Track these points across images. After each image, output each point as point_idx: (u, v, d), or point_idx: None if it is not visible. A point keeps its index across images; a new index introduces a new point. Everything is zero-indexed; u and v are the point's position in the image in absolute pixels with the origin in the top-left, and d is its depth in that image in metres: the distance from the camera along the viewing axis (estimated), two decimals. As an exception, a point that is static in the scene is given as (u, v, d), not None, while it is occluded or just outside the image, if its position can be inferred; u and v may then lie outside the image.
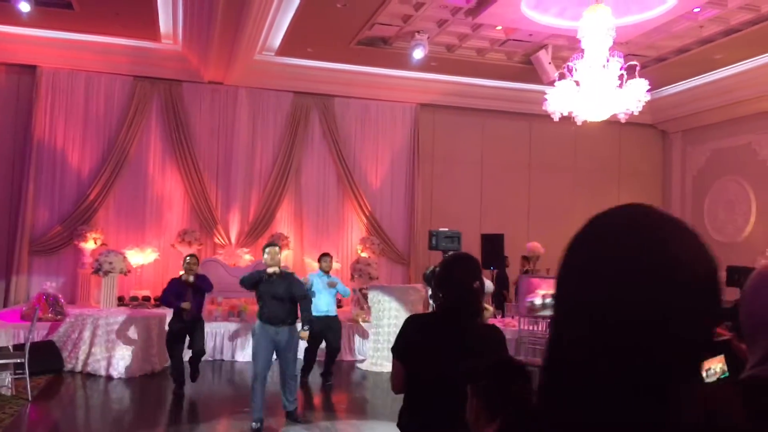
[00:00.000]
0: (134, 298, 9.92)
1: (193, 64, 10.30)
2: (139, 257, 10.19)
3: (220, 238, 10.80)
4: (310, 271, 11.20)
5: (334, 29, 9.08)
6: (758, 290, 1.19)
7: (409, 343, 2.77)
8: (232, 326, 8.77)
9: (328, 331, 7.54)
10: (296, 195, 11.33)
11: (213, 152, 10.94)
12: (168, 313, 7.48)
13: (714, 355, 1.45)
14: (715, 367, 1.44)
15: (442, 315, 2.80)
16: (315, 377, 7.72)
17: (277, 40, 9.63)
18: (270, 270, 5.85)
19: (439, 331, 2.72)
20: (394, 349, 2.78)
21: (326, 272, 7.87)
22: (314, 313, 7.21)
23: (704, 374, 1.43)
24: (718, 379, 1.43)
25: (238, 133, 10.99)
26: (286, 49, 9.92)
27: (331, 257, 8.21)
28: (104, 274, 8.97)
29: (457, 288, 2.71)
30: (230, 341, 8.73)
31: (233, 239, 10.91)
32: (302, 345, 7.49)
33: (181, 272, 7.21)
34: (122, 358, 7.49)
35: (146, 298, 9.91)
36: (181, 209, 10.83)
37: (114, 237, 10.32)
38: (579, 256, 0.88)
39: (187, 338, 6.93)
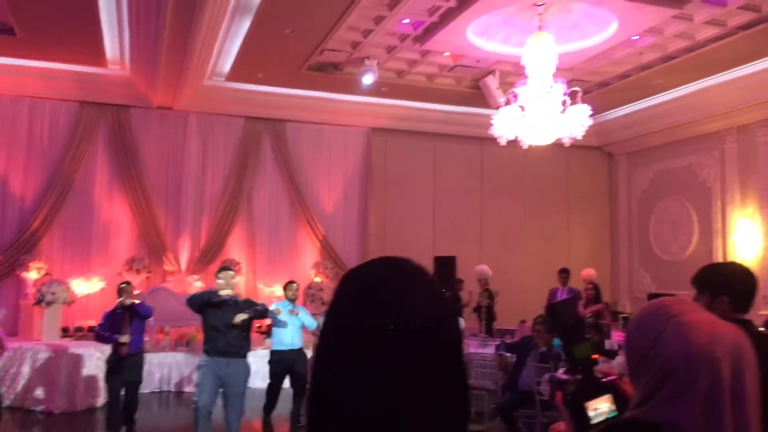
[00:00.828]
0: (79, 329, 9.62)
1: (140, 89, 10.17)
2: (85, 286, 9.92)
3: (169, 265, 10.60)
4: (262, 298, 11.10)
5: (284, 55, 9.10)
6: (639, 329, 1.22)
7: None
8: (180, 356, 8.58)
9: (293, 365, 6.97)
10: (248, 220, 11.22)
11: (162, 178, 10.78)
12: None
13: (601, 395, 1.47)
14: (602, 407, 1.47)
15: None
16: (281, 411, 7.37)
17: (226, 65, 9.59)
18: (224, 292, 5.47)
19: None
20: None
21: (292, 301, 7.41)
22: (278, 347, 6.96)
23: (592, 414, 1.46)
24: (606, 418, 1.46)
25: (187, 158, 10.86)
26: (236, 74, 9.89)
27: (298, 285, 7.76)
28: (47, 305, 8.70)
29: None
30: (178, 372, 8.54)
31: (183, 266, 10.72)
32: (263, 382, 7.30)
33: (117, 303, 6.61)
34: (63, 393, 7.24)
35: (92, 329, 9.60)
36: (129, 236, 10.60)
37: (59, 266, 10.03)
38: (328, 318, 0.92)
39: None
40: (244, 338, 5.56)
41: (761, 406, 2.04)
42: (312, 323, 7.32)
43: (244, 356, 5.58)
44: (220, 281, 5.61)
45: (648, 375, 1.15)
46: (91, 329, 9.61)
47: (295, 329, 7.15)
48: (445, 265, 10.42)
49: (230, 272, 5.71)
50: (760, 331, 2.60)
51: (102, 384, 7.57)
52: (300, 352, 7.14)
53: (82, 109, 10.31)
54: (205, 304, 5.48)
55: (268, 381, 7.12)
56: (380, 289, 0.88)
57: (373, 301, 0.87)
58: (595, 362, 1.50)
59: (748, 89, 9.63)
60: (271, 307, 6.86)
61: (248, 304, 5.66)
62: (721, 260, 10.63)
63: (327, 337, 0.90)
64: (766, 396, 2.19)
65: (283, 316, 7.04)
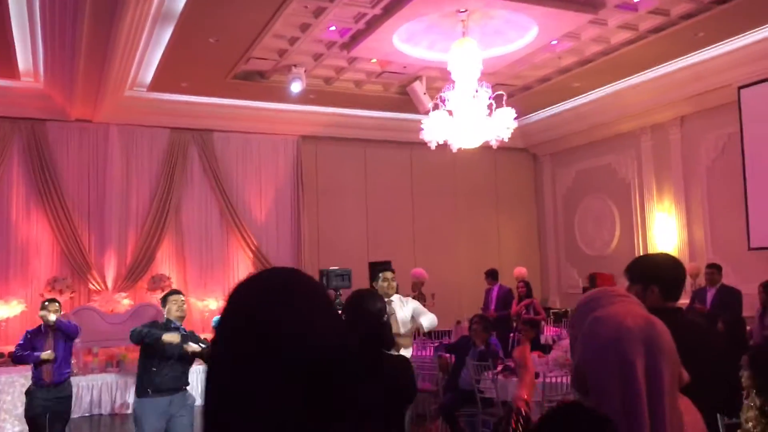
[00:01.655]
0: (1, 355, 9.11)
1: (57, 102, 9.75)
2: (4, 310, 9.43)
3: (95, 283, 10.19)
4: (195, 313, 10.83)
5: (209, 64, 8.93)
6: (572, 324, 1.26)
7: None
8: (110, 377, 8.25)
9: None
10: (177, 233, 10.93)
11: (84, 193, 10.36)
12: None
13: None
14: None
15: (356, 354, 2.82)
16: None
17: (148, 75, 9.32)
18: (167, 338, 4.64)
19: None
20: None
21: None
22: None
23: None
24: None
25: (110, 172, 10.48)
26: (158, 84, 9.63)
27: None
28: (-38, 332, 8.19)
29: (368, 326, 2.76)
30: (109, 394, 8.21)
31: (110, 284, 10.32)
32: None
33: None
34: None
35: (11, 354, 9.12)
36: (50, 255, 10.13)
37: (-27, 290, 9.47)
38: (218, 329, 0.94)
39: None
40: (185, 368, 4.92)
41: (699, 390, 2.16)
42: None
43: (185, 387, 4.97)
44: (171, 306, 4.90)
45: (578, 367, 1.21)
46: (10, 354, 9.12)
47: None
48: (381, 270, 10.46)
49: (181, 296, 5.03)
50: (690, 319, 2.74)
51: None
52: None
53: (-6, 123, 9.80)
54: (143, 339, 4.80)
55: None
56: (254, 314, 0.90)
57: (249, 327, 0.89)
58: None
59: (660, 90, 10.14)
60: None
61: (194, 338, 4.98)
62: (641, 253, 11.14)
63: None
64: (700, 380, 2.31)
65: None
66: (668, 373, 1.18)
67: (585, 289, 8.88)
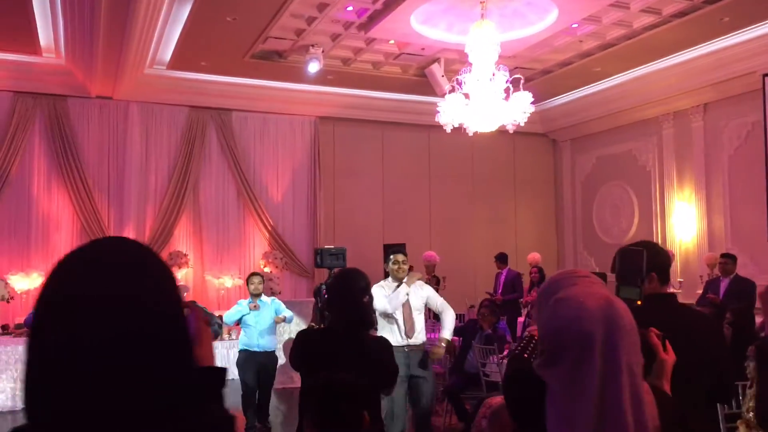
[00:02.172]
0: (20, 326, 9.32)
1: (78, 78, 9.86)
2: (25, 282, 9.61)
3: (113, 258, 10.34)
4: (211, 291, 10.98)
5: (227, 43, 8.95)
6: (538, 303, 1.26)
7: (300, 361, 2.85)
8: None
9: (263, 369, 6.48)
10: (195, 211, 11.04)
11: (104, 169, 10.50)
12: None
13: None
14: None
15: (334, 330, 2.85)
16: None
17: (167, 53, 9.38)
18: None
19: (328, 348, 2.76)
20: (291, 362, 2.91)
21: (256, 296, 6.71)
22: (244, 347, 6.49)
23: None
24: None
25: (130, 149, 10.60)
26: (177, 62, 9.68)
27: (262, 278, 7.07)
28: (-17, 303, 8.40)
29: (347, 303, 2.78)
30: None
31: (128, 259, 10.47)
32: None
33: None
34: (2, 391, 7.03)
35: (32, 326, 9.34)
36: (71, 230, 10.31)
37: (-5, 262, 9.69)
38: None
39: None
40: None
41: (688, 373, 2.14)
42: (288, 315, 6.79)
43: None
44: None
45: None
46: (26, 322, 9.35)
47: (264, 328, 6.52)
48: (395, 252, 10.48)
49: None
50: (683, 304, 2.72)
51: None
52: (271, 355, 6.58)
53: (17, 98, 9.94)
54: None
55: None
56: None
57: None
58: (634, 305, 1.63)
59: (683, 76, 9.95)
60: (234, 310, 6.61)
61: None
62: (660, 242, 11.02)
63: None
64: (690, 363, 2.30)
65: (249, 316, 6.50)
66: (626, 352, 1.18)
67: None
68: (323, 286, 7.45)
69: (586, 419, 1.13)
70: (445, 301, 5.44)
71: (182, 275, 10.58)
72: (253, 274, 6.97)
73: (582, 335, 1.16)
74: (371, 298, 2.81)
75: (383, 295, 5.07)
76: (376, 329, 4.88)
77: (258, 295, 6.65)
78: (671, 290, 2.60)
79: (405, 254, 5.39)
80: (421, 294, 5.21)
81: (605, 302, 1.21)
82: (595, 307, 1.20)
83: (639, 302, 1.67)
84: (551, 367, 1.18)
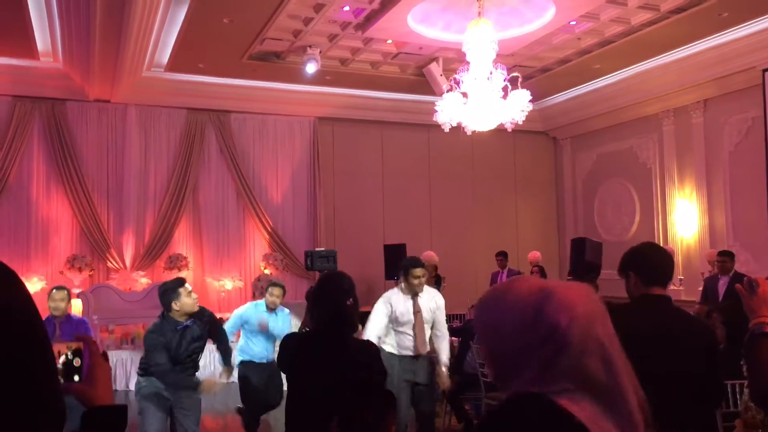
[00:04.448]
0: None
1: (76, 82, 9.85)
2: (25, 287, 9.61)
3: (113, 262, 10.35)
4: (211, 293, 10.96)
5: (224, 44, 8.94)
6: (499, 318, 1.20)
7: (285, 361, 2.86)
8: (125, 354, 8.41)
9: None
10: (194, 213, 11.03)
11: (102, 173, 10.49)
12: None
13: None
14: None
15: (318, 333, 2.86)
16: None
17: (165, 55, 9.37)
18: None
19: (311, 348, 2.76)
20: (280, 364, 2.95)
21: (271, 309, 6.13)
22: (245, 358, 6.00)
23: None
24: None
25: (129, 152, 10.59)
26: (175, 64, 9.67)
27: (283, 289, 6.26)
28: (-17, 308, 8.39)
29: (331, 306, 2.78)
30: (123, 370, 8.37)
31: (128, 262, 10.48)
32: None
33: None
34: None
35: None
36: (70, 234, 10.31)
37: (-5, 267, 9.68)
38: None
39: None
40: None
41: (678, 377, 2.09)
42: (281, 330, 5.93)
43: None
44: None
45: None
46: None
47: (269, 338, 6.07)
48: (395, 252, 10.46)
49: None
50: (676, 307, 2.68)
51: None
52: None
53: (15, 103, 9.95)
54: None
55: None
56: None
57: None
58: None
59: (682, 72, 9.90)
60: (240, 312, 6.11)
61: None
62: (661, 239, 10.97)
63: None
64: (680, 368, 2.26)
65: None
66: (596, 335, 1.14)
67: None
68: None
69: None
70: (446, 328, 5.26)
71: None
72: (275, 284, 6.20)
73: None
74: (355, 300, 2.81)
75: (400, 306, 4.92)
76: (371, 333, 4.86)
77: (274, 309, 6.07)
78: (659, 291, 2.55)
79: (423, 266, 5.06)
80: (430, 307, 5.05)
81: (539, 290, 1.16)
82: (528, 294, 1.16)
83: None
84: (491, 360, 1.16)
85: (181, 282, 4.46)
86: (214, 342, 4.89)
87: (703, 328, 2.57)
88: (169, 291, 4.39)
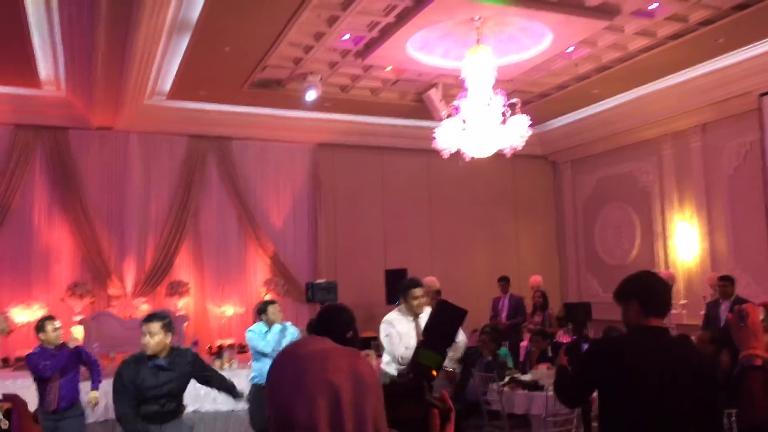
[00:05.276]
0: (20, 359, 9.29)
1: (78, 110, 9.93)
2: (25, 315, 9.60)
3: (114, 288, 10.33)
4: (212, 319, 10.92)
5: (225, 72, 9.03)
6: None
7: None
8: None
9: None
10: (195, 240, 11.04)
11: (104, 200, 10.52)
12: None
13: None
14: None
15: None
16: None
17: (167, 83, 9.46)
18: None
19: None
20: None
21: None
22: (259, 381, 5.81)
23: None
24: None
25: (130, 179, 10.64)
26: (177, 92, 9.76)
27: (277, 308, 6.18)
28: (-17, 336, 8.37)
29: (337, 336, 2.76)
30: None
31: (129, 289, 10.46)
32: None
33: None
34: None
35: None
36: (71, 261, 10.30)
37: (-4, 294, 9.68)
38: None
39: None
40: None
41: (680, 410, 2.08)
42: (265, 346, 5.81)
43: None
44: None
45: None
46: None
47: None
48: (396, 277, 10.43)
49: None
50: (674, 339, 2.68)
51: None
52: None
53: (17, 132, 10.01)
54: None
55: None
56: None
57: None
58: (429, 375, 1.38)
59: (680, 96, 9.98)
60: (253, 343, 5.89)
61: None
62: (662, 263, 10.96)
63: None
64: (680, 402, 2.24)
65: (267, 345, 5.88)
66: (305, 404, 1.08)
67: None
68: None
69: None
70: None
71: (183, 304, 10.55)
72: (270, 302, 6.19)
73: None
74: (356, 333, 2.80)
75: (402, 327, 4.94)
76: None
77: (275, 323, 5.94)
78: (657, 323, 2.54)
79: (422, 286, 5.11)
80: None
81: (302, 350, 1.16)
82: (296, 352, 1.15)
83: (434, 373, 1.37)
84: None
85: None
86: (210, 387, 4.58)
87: (702, 358, 2.56)
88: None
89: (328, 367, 1.11)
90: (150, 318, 4.13)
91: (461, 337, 5.12)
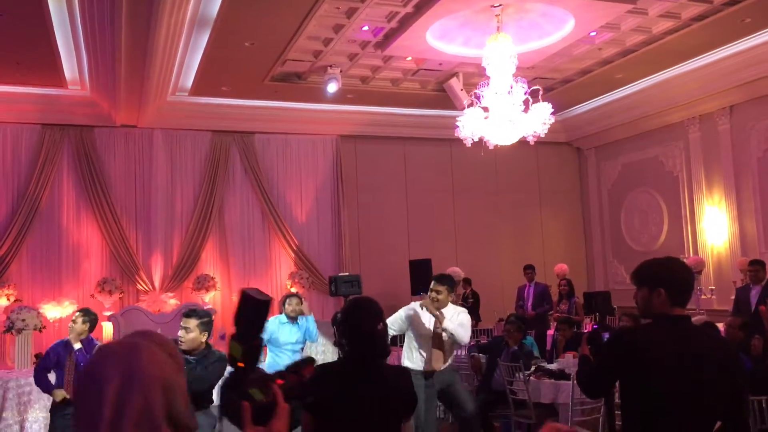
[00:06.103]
0: (38, 356, 9.48)
1: (103, 108, 10.07)
2: (57, 311, 9.78)
3: (142, 284, 10.49)
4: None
5: (246, 67, 9.07)
6: None
7: (319, 396, 2.77)
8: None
9: None
10: (220, 234, 11.15)
11: (130, 197, 10.67)
12: None
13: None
14: None
15: (349, 363, 2.79)
16: None
17: (189, 80, 9.53)
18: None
19: (349, 381, 2.71)
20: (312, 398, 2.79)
21: (293, 319, 6.23)
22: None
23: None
24: None
25: (155, 175, 10.76)
26: (199, 88, 9.83)
27: (300, 298, 6.45)
28: (17, 332, 8.54)
29: (361, 334, 2.73)
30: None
31: (157, 284, 10.61)
32: None
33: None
34: (36, 421, 7.11)
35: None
36: (100, 257, 10.47)
37: (29, 292, 9.88)
38: None
39: None
40: None
41: (704, 397, 2.05)
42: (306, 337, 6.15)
43: None
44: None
45: None
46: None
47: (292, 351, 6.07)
48: (420, 268, 10.44)
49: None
50: (697, 327, 2.63)
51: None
52: None
53: (45, 131, 10.18)
54: None
55: None
56: None
57: None
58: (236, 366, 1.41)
59: (706, 79, 9.78)
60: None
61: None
62: (691, 248, 10.80)
63: None
64: (705, 388, 2.21)
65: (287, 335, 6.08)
66: (139, 400, 1.16)
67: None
68: (339, 315, 7.27)
69: None
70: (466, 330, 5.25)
71: (210, 298, 10.67)
72: (290, 295, 6.42)
73: (96, 378, 1.18)
74: (385, 325, 2.78)
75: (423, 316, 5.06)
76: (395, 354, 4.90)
77: (295, 318, 6.15)
78: (680, 312, 2.50)
79: (443, 283, 5.11)
80: (453, 321, 5.08)
81: (128, 345, 1.24)
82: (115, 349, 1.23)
83: (240, 364, 1.37)
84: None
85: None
86: None
87: (727, 349, 2.51)
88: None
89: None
90: (190, 313, 4.10)
91: (463, 333, 5.11)
